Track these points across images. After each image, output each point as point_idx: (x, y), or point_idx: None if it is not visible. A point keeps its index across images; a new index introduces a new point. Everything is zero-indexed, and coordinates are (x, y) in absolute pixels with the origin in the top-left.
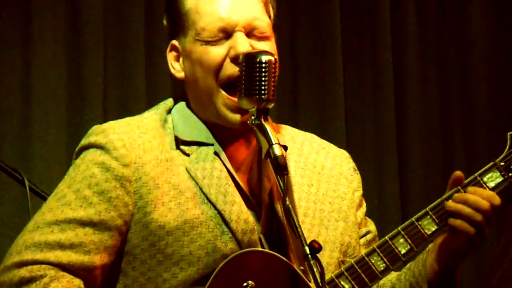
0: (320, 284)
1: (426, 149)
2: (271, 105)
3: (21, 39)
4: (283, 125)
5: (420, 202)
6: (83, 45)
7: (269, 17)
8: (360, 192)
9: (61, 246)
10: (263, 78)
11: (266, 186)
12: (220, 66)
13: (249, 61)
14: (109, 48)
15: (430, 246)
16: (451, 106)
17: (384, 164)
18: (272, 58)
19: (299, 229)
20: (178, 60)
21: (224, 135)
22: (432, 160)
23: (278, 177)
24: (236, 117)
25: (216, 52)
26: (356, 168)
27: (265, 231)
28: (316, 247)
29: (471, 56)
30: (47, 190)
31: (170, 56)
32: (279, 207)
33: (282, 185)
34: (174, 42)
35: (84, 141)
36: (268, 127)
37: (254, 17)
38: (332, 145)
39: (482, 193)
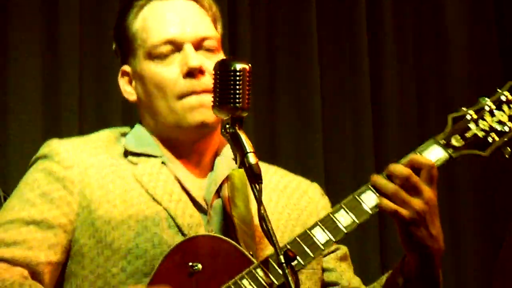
0: None
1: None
2: (245, 114)
3: None
4: None
5: None
6: (59, 56)
7: (218, 32)
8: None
9: (5, 244)
10: (238, 86)
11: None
12: (174, 84)
13: (222, 69)
14: (85, 59)
15: None
16: (429, 117)
17: (363, 177)
18: (247, 66)
19: (274, 238)
20: (130, 84)
21: (175, 153)
22: None
23: (253, 185)
24: (196, 117)
25: (169, 71)
26: (324, 193)
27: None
28: (290, 256)
29: (450, 66)
30: None
31: (122, 81)
32: (233, 213)
33: (256, 193)
34: (125, 67)
35: (32, 159)
36: (243, 136)
37: (202, 30)
38: (300, 177)
39: (400, 162)
